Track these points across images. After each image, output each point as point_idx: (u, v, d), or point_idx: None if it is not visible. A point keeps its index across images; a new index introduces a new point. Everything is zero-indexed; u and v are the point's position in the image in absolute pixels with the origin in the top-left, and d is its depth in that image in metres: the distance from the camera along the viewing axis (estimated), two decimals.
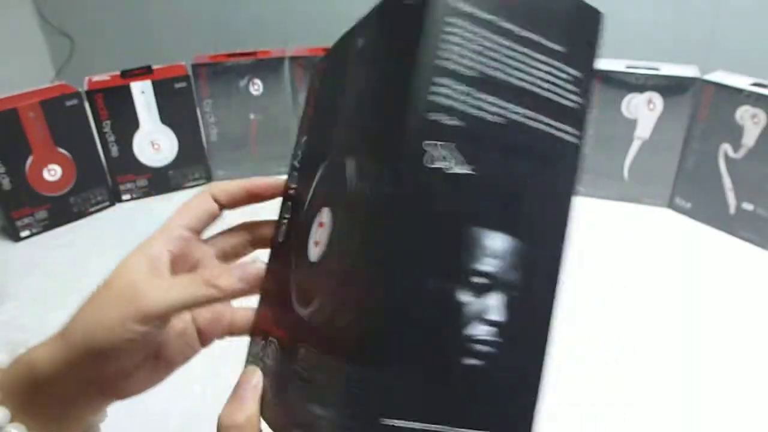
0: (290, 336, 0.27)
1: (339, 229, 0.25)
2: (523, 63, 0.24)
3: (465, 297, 0.22)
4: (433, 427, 0.22)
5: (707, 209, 0.78)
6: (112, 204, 0.87)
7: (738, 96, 0.71)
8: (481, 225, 0.23)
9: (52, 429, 0.31)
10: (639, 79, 0.76)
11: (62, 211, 0.81)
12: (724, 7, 1.56)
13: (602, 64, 0.79)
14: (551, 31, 0.24)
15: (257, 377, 0.29)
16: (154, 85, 0.83)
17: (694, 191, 0.79)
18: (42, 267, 0.74)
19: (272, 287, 0.32)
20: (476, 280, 0.23)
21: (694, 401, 0.53)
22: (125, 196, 0.88)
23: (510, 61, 0.24)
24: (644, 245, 0.75)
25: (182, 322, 0.35)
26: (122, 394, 0.33)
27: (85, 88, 0.81)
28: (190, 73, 0.85)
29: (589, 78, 0.25)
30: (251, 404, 0.28)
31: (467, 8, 0.23)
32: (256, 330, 0.34)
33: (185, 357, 0.35)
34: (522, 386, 0.25)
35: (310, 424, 0.23)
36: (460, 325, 0.22)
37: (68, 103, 0.77)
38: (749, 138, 0.71)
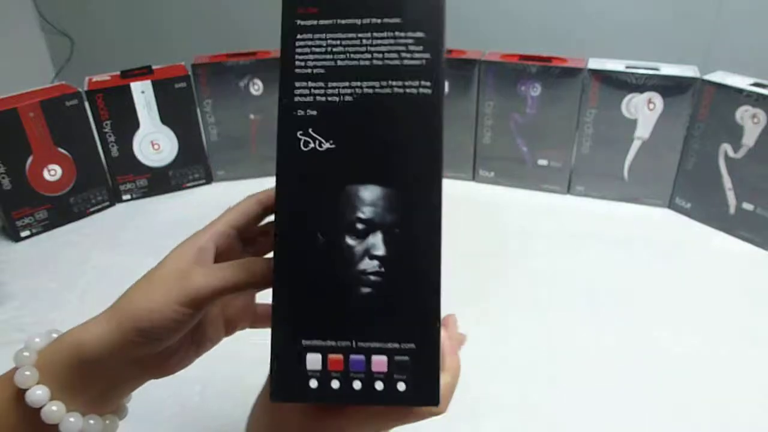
0: None
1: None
2: (367, 45, 0.31)
3: (351, 241, 0.30)
4: (342, 342, 0.30)
5: (707, 209, 0.78)
6: (112, 204, 0.87)
7: (738, 96, 0.71)
8: (353, 182, 0.30)
9: (91, 407, 0.33)
10: (639, 79, 0.76)
11: (62, 211, 0.81)
12: (724, 8, 1.56)
13: (602, 64, 0.79)
14: (387, 9, 0.31)
15: None
16: (154, 85, 0.83)
17: (694, 191, 0.79)
18: (42, 267, 0.74)
19: None
20: (359, 226, 0.30)
21: (693, 401, 0.53)
22: (125, 196, 0.88)
23: (354, 48, 0.31)
24: (644, 245, 0.75)
25: (217, 308, 0.38)
26: (161, 373, 0.35)
27: (85, 88, 0.81)
28: (190, 73, 0.85)
29: (433, 35, 0.30)
30: None
31: (307, 23, 0.31)
32: None
33: (213, 343, 0.38)
34: (410, 305, 0.30)
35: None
36: (351, 263, 0.30)
37: (68, 103, 0.78)
38: (749, 138, 0.71)
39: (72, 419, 0.32)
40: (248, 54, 0.87)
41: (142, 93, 0.83)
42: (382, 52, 0.30)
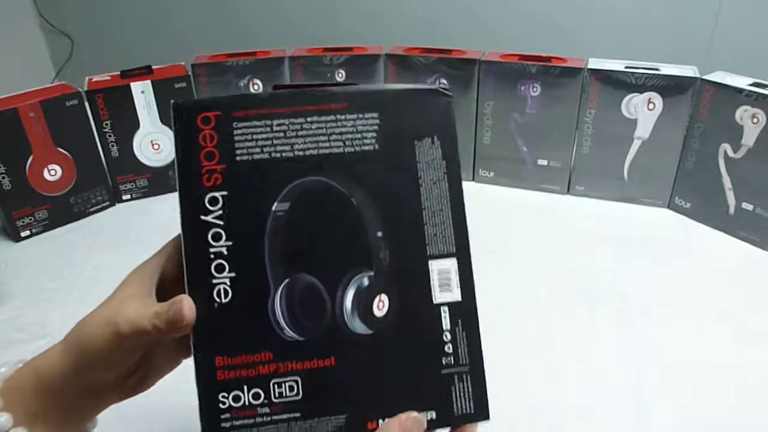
0: None
1: None
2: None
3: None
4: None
5: (707, 209, 0.78)
6: (112, 204, 0.87)
7: (738, 96, 0.71)
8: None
9: (54, 430, 0.33)
10: (639, 79, 0.76)
11: (62, 211, 0.81)
12: (724, 8, 1.56)
13: (602, 64, 0.79)
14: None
15: None
16: (154, 85, 0.83)
17: (694, 191, 0.79)
18: (42, 267, 0.74)
19: None
20: None
21: (693, 401, 0.53)
22: (125, 196, 0.88)
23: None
24: (644, 245, 0.75)
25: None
26: (119, 397, 0.35)
27: (85, 88, 0.81)
28: (190, 73, 0.85)
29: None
30: None
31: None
32: None
33: (170, 365, 0.37)
34: None
35: None
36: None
37: (68, 103, 0.78)
38: (749, 138, 0.71)
39: None
40: (248, 54, 0.87)
41: (142, 93, 0.83)
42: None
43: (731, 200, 0.75)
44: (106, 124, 0.82)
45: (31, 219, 0.79)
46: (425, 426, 0.33)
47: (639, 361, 0.57)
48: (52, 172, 0.79)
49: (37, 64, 2.20)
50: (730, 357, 0.58)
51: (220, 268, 0.33)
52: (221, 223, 0.33)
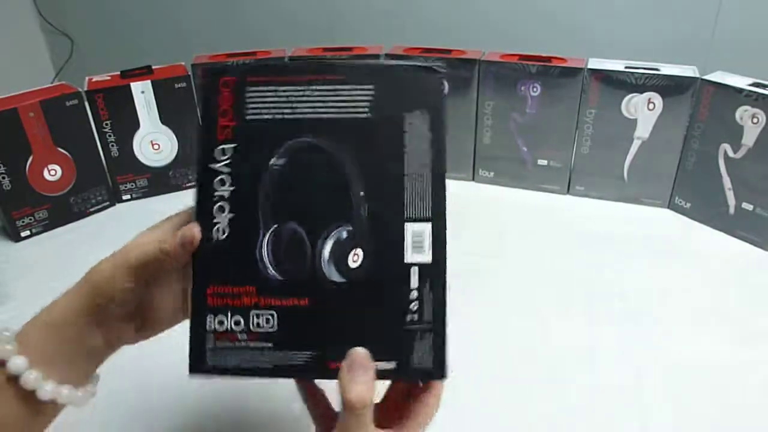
0: None
1: None
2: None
3: None
4: None
5: (707, 209, 0.78)
6: (112, 204, 0.87)
7: (738, 96, 0.71)
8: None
9: (65, 373, 0.36)
10: (639, 79, 0.76)
11: (62, 211, 0.81)
12: (724, 7, 1.56)
13: (602, 64, 0.79)
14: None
15: None
16: (154, 85, 0.83)
17: (694, 191, 0.79)
18: (42, 267, 0.74)
19: None
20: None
21: (693, 401, 0.53)
22: (125, 196, 0.88)
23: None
24: (644, 245, 0.75)
25: (176, 284, 0.39)
26: (123, 341, 0.39)
27: (85, 88, 0.81)
28: (190, 73, 0.85)
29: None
30: None
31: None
32: None
33: (170, 318, 0.40)
34: None
35: None
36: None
37: (68, 103, 0.78)
38: (749, 138, 0.71)
39: (48, 387, 0.35)
40: (248, 54, 0.87)
41: (142, 93, 0.83)
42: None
43: (731, 200, 0.75)
44: (106, 124, 0.82)
45: (31, 219, 0.79)
46: (370, 365, 0.35)
47: (639, 361, 0.57)
48: (52, 172, 0.79)
49: (37, 64, 2.20)
50: (730, 357, 0.58)
51: (220, 210, 0.37)
52: (227, 170, 0.37)
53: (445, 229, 0.37)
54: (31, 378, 0.34)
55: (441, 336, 0.36)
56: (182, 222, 0.38)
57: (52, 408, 0.36)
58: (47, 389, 0.35)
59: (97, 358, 0.38)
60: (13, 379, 0.34)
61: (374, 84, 0.37)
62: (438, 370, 0.36)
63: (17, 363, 0.34)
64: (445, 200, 0.37)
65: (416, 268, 0.36)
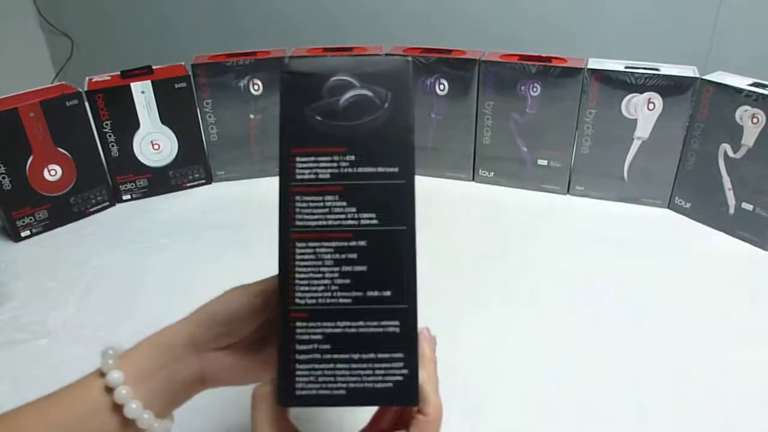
0: None
1: None
2: None
3: None
4: None
5: (707, 209, 0.78)
6: (112, 204, 0.87)
7: (737, 96, 0.71)
8: None
9: (152, 397, 0.37)
10: (639, 79, 0.76)
11: (62, 211, 0.81)
12: (724, 8, 1.56)
13: (602, 64, 0.79)
14: None
15: None
16: (154, 85, 0.83)
17: (694, 191, 0.79)
18: (42, 267, 0.74)
19: None
20: None
21: (693, 401, 0.53)
22: (125, 196, 0.88)
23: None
24: (644, 245, 0.75)
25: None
26: (215, 382, 0.40)
27: (85, 88, 0.81)
28: (190, 73, 0.85)
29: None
30: None
31: None
32: None
33: (235, 376, 0.40)
34: None
35: None
36: None
37: (68, 103, 0.78)
38: (749, 138, 0.71)
39: (133, 405, 0.36)
40: (248, 54, 0.87)
41: (142, 93, 0.83)
42: None
43: (731, 200, 0.75)
44: (106, 124, 0.82)
45: (31, 219, 0.79)
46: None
47: (639, 361, 0.57)
48: (52, 172, 0.79)
49: (37, 64, 2.20)
50: (730, 357, 0.58)
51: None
52: None
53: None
54: (122, 393, 0.36)
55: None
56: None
57: (135, 430, 0.37)
58: (132, 407, 0.36)
59: (185, 393, 0.39)
60: (110, 391, 0.36)
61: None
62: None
63: (114, 377, 0.36)
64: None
65: None
